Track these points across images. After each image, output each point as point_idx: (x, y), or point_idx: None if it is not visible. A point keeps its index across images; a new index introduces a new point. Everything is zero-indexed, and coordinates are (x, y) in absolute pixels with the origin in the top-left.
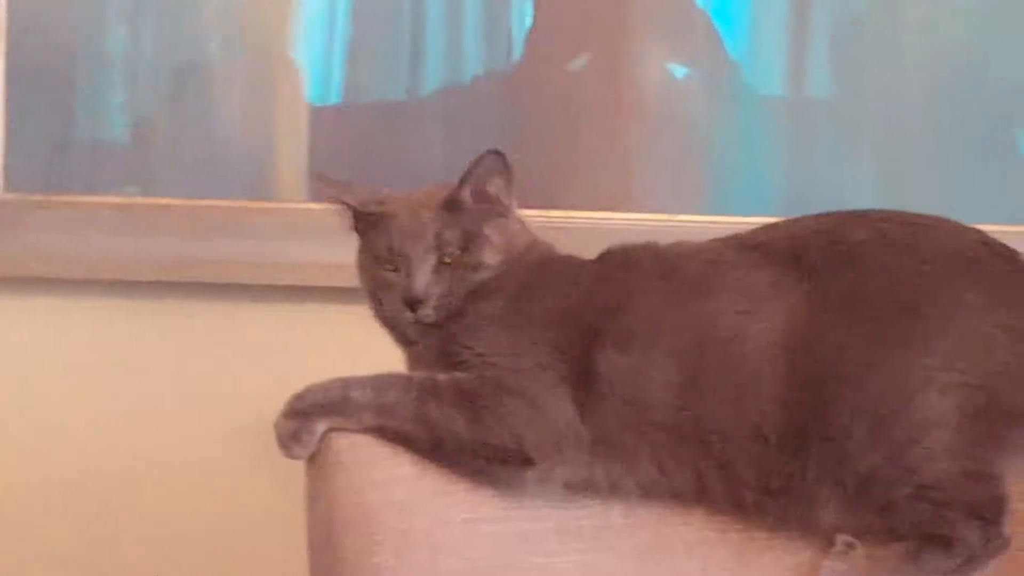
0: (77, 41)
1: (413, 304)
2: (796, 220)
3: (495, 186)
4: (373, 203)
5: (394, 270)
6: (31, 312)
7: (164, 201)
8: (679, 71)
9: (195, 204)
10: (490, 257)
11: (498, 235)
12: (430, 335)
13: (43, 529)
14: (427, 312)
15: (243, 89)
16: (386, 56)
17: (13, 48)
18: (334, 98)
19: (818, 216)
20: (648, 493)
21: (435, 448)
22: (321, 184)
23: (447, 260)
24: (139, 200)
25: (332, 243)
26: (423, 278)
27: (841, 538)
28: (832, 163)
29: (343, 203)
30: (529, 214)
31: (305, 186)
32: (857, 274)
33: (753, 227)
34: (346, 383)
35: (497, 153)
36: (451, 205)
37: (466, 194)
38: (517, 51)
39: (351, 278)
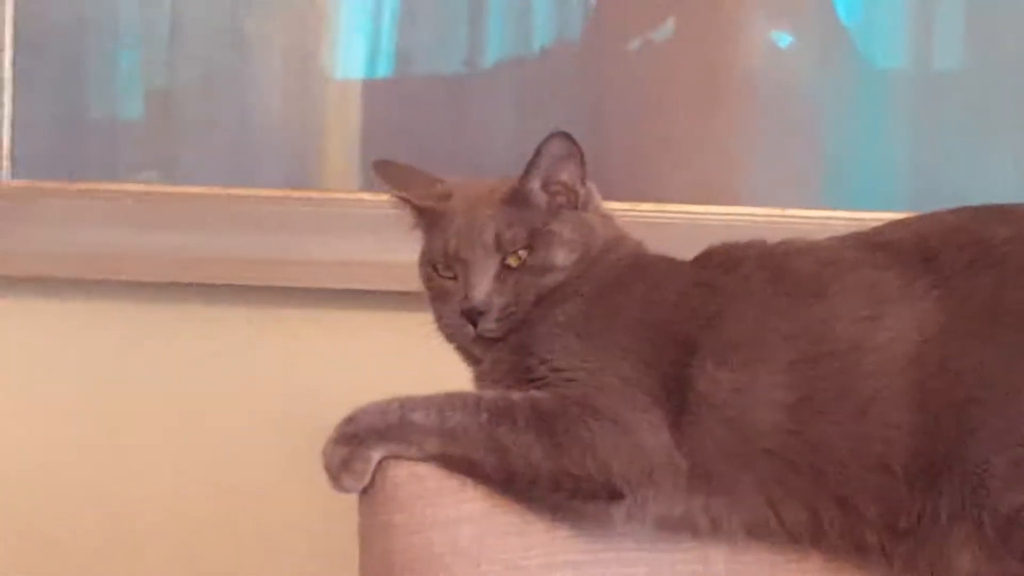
0: (88, 5)
1: (473, 317)
2: (927, 216)
3: (567, 174)
4: (433, 198)
5: (452, 277)
6: (38, 314)
7: (191, 190)
8: (783, 40)
9: (226, 193)
10: (562, 258)
11: (571, 231)
12: (497, 349)
13: (36, 530)
14: (489, 326)
15: (282, 60)
16: (442, 23)
17: (22, 18)
18: (383, 70)
19: (953, 211)
20: (754, 533)
21: (508, 480)
22: (379, 173)
23: (512, 264)
24: (162, 188)
25: (388, 239)
26: (483, 287)
27: None
28: (966, 149)
29: (400, 198)
30: (615, 207)
31: (357, 172)
32: (1000, 278)
33: (875, 224)
34: (405, 404)
35: (564, 135)
36: (514, 199)
37: (532, 185)
38: (591, 16)
39: (410, 279)
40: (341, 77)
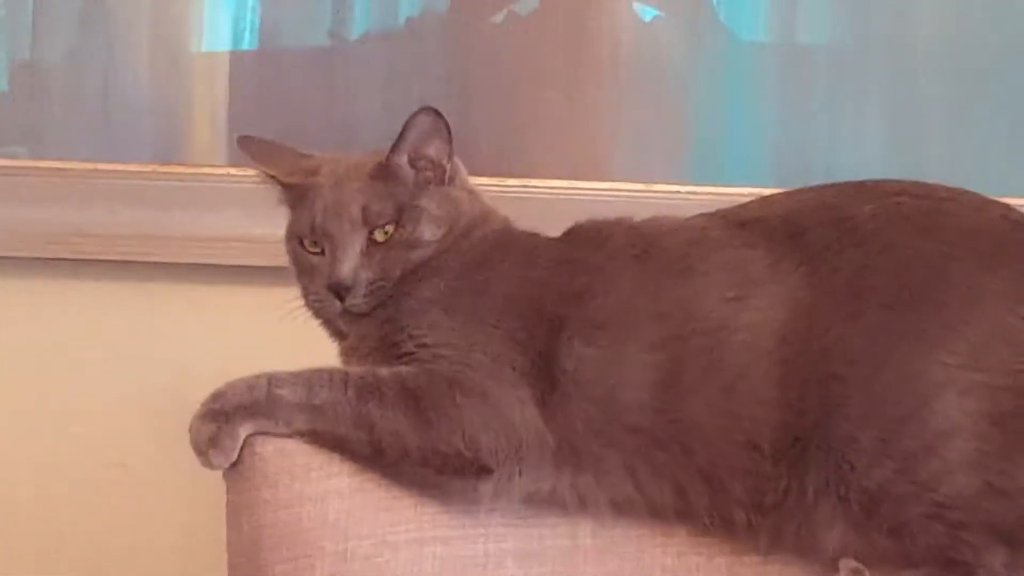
0: None
1: (339, 291)
2: (794, 193)
3: (433, 149)
4: (299, 173)
5: (319, 252)
6: None
7: (57, 164)
8: (648, 13)
9: (93, 167)
10: (429, 232)
11: (438, 206)
12: (364, 324)
13: None
14: (356, 301)
15: (146, 33)
16: None
17: None
18: (248, 44)
19: (819, 188)
20: (621, 509)
21: (376, 455)
22: (244, 149)
23: (378, 239)
24: (28, 163)
25: (256, 214)
26: (350, 261)
27: (845, 563)
28: (832, 124)
29: (266, 174)
30: (482, 183)
31: (224, 147)
32: (865, 256)
33: (743, 200)
34: (272, 380)
35: (431, 110)
36: (381, 174)
37: (399, 160)
38: None
39: (278, 255)
40: (206, 50)
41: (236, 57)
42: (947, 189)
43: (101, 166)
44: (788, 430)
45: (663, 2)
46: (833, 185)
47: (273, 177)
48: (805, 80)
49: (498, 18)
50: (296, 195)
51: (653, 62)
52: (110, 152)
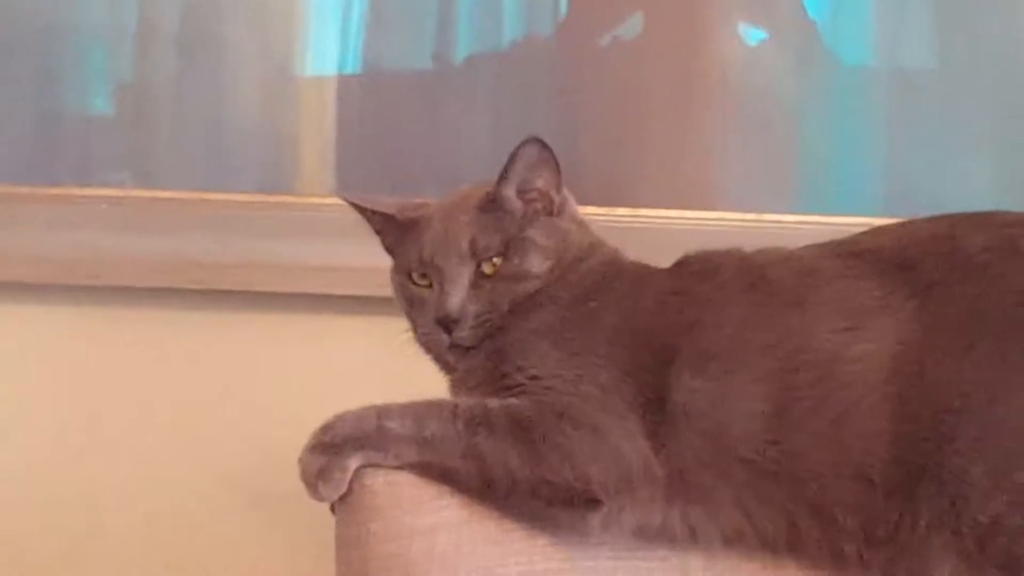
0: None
1: (447, 325)
2: (905, 224)
3: (542, 180)
4: (410, 209)
5: (427, 285)
6: (13, 319)
7: (165, 194)
8: (753, 36)
9: (200, 198)
10: (537, 264)
11: (546, 238)
12: (472, 357)
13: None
14: (463, 335)
15: (250, 58)
16: (411, 18)
17: None
18: (351, 68)
19: (932, 219)
20: (732, 542)
21: (485, 488)
22: (351, 204)
23: (486, 271)
24: (136, 192)
25: (362, 244)
26: (458, 295)
27: None
28: (940, 150)
29: (380, 214)
30: (590, 212)
31: (331, 174)
32: (978, 288)
33: (852, 230)
34: (381, 412)
35: (538, 141)
36: (489, 206)
37: (507, 192)
38: (563, 11)
39: (386, 284)
40: (310, 74)
41: (343, 81)
42: None
43: (208, 196)
44: (900, 463)
45: (768, 24)
46: (945, 216)
47: (379, 214)
48: (913, 106)
49: (604, 41)
50: (404, 230)
51: (759, 87)
52: (216, 178)
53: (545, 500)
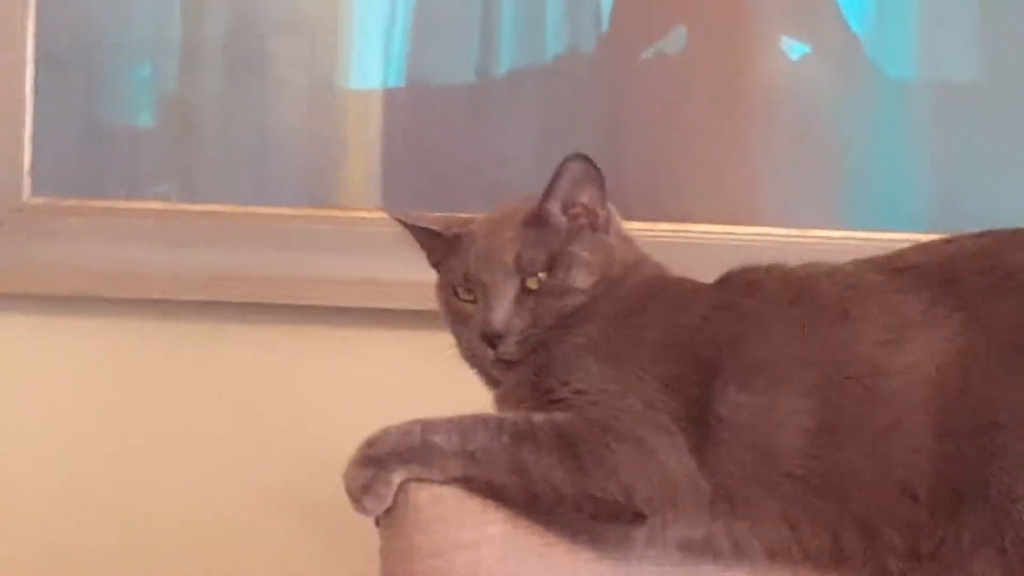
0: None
1: (492, 340)
2: (951, 239)
3: (586, 196)
4: (456, 225)
5: (472, 300)
6: (60, 331)
7: (210, 207)
8: (796, 50)
9: (246, 211)
10: (582, 279)
11: (591, 253)
12: (517, 372)
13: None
14: (508, 350)
15: (295, 71)
16: (453, 32)
17: (43, 32)
18: (394, 82)
19: (975, 235)
20: (776, 557)
21: (530, 501)
22: (397, 218)
23: (531, 286)
24: (181, 206)
25: (406, 258)
26: (503, 310)
27: None
28: (985, 164)
29: (428, 230)
30: (634, 227)
31: (377, 186)
32: (1022, 303)
33: (896, 245)
34: (426, 426)
35: (583, 157)
36: (534, 221)
37: (552, 208)
38: (605, 26)
39: (430, 298)
40: (354, 87)
41: (388, 95)
42: None
43: (254, 209)
44: (944, 478)
45: (811, 38)
46: (990, 232)
47: (431, 231)
48: (958, 119)
49: (646, 56)
50: (450, 246)
51: (802, 101)
52: (260, 191)
53: (590, 514)
